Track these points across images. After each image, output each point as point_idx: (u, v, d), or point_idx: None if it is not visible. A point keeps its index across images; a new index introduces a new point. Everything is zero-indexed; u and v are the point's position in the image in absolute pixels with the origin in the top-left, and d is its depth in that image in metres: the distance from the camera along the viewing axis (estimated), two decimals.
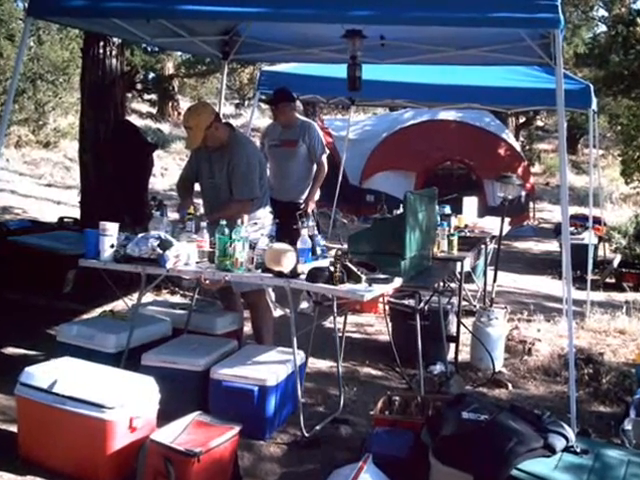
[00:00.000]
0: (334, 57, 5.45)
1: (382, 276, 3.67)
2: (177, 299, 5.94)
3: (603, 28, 16.36)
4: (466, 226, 5.79)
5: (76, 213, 6.86)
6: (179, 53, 18.51)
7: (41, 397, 3.15)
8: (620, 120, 13.36)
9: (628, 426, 3.55)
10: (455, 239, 4.84)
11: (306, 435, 3.64)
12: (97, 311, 5.07)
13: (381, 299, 4.95)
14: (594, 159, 8.35)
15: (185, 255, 3.72)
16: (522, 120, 19.75)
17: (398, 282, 3.76)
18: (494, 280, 6.10)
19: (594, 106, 6.74)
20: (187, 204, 4.37)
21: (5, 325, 4.79)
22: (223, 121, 4.47)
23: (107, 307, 5.21)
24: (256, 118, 14.63)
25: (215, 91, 22.12)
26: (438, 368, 4.58)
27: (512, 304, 6.63)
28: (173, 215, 4.75)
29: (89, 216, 5.99)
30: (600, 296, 7.33)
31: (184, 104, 19.35)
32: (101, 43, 6.29)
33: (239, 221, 3.69)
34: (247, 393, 3.62)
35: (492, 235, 5.96)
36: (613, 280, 8.09)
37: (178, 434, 3.05)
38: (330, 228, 8.16)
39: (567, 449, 2.87)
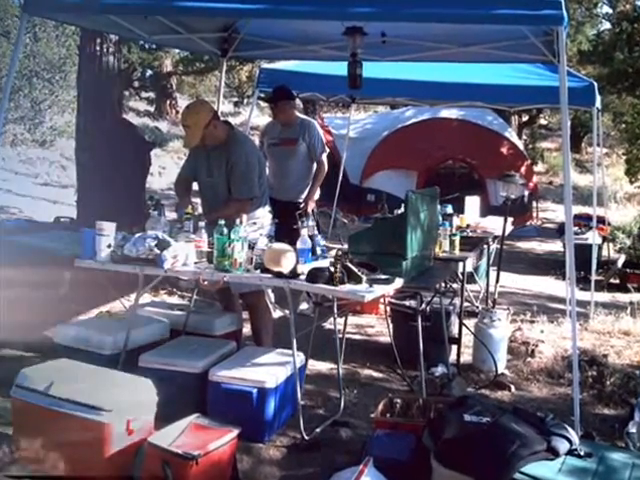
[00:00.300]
0: (334, 54, 5.42)
1: (383, 277, 3.63)
2: (175, 300, 5.91)
3: (607, 25, 16.31)
4: (468, 226, 5.75)
5: (72, 212, 6.84)
6: (177, 50, 18.51)
7: (37, 399, 3.11)
8: (624, 118, 13.38)
9: (632, 429, 3.52)
10: (457, 239, 4.80)
11: (306, 438, 3.61)
12: (94, 312, 5.03)
13: (382, 300, 4.92)
14: (598, 158, 8.32)
15: (183, 255, 3.69)
16: (525, 118, 19.70)
17: (399, 283, 3.71)
18: (496, 281, 6.07)
19: (598, 104, 6.69)
20: (185, 203, 4.32)
21: (1, 326, 4.75)
22: (222, 119, 4.44)
23: (104, 308, 5.17)
24: (255, 116, 14.65)
25: (213, 89, 22.12)
26: (440, 370, 4.56)
27: (515, 305, 6.57)
28: (171, 215, 4.71)
29: (86, 216, 5.97)
30: (604, 297, 7.28)
31: (182, 102, 19.38)
32: (98, 40, 6.27)
33: (238, 221, 3.66)
34: (246, 395, 3.58)
35: (494, 235, 5.92)
36: (617, 281, 8.02)
37: (176, 437, 3.01)
38: (330, 228, 8.12)
39: (571, 452, 2.83)
